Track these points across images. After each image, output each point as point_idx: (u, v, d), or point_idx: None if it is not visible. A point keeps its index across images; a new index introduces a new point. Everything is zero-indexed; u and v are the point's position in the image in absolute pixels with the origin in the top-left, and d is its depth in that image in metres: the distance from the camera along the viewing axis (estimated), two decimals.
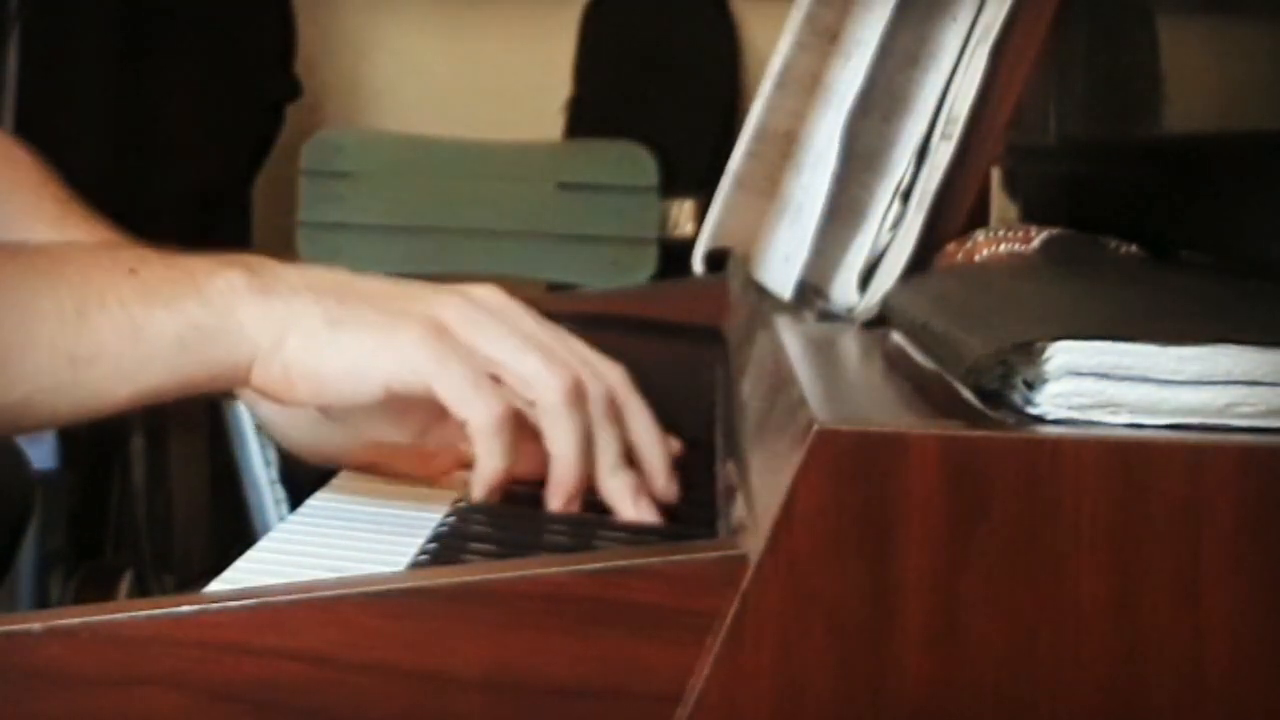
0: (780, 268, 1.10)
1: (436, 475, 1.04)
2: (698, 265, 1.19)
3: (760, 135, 1.17)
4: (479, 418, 0.90)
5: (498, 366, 0.92)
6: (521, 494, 0.95)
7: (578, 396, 0.92)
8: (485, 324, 0.92)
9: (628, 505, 0.93)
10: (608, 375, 0.95)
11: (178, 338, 0.90)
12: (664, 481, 0.95)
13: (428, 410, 0.96)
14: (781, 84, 1.16)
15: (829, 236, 1.09)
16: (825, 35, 1.14)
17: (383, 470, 1.04)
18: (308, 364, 0.91)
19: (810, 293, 1.11)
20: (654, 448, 0.95)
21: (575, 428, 0.92)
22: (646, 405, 0.97)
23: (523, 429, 0.93)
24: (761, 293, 1.16)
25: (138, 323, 0.90)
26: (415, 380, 0.90)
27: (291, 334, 0.91)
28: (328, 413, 0.98)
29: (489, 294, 0.95)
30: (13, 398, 0.90)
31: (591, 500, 0.95)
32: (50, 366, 0.89)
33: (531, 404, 0.93)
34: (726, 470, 0.98)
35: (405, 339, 0.90)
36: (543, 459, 0.93)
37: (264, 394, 0.92)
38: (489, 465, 0.91)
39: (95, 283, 0.90)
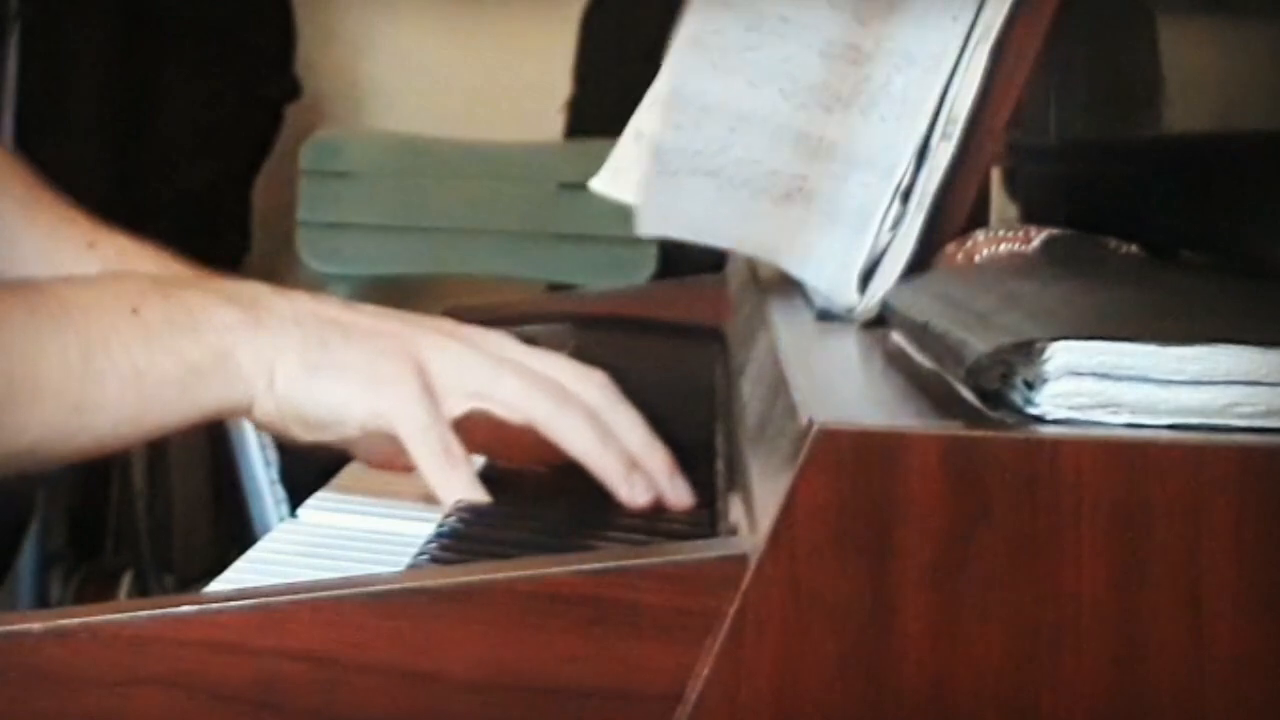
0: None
1: None
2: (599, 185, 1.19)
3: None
4: (429, 463, 0.92)
5: (481, 398, 0.94)
6: (519, 493, 0.95)
7: (564, 397, 0.94)
8: (461, 356, 0.95)
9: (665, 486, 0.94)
10: (591, 381, 0.96)
11: (179, 381, 0.92)
12: (668, 482, 0.95)
13: None
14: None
15: (829, 236, 1.09)
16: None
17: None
18: (294, 406, 0.93)
19: (810, 292, 1.11)
20: (650, 450, 0.95)
21: (580, 421, 0.94)
22: (634, 409, 0.97)
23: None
24: (762, 292, 1.16)
25: (140, 368, 0.91)
26: (380, 423, 0.93)
27: (277, 373, 0.93)
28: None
29: (465, 328, 0.98)
30: (20, 445, 0.91)
31: (592, 500, 0.95)
32: (56, 414, 0.91)
33: (528, 425, 0.94)
34: (726, 470, 0.98)
35: (378, 383, 0.93)
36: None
37: (268, 429, 0.95)
38: (450, 497, 0.93)
39: (98, 326, 0.92)
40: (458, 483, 0.92)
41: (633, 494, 0.94)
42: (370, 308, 0.99)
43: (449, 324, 0.98)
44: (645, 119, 1.28)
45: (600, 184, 1.29)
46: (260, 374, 0.93)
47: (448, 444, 0.93)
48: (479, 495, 0.93)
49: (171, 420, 0.93)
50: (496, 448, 1.01)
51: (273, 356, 0.93)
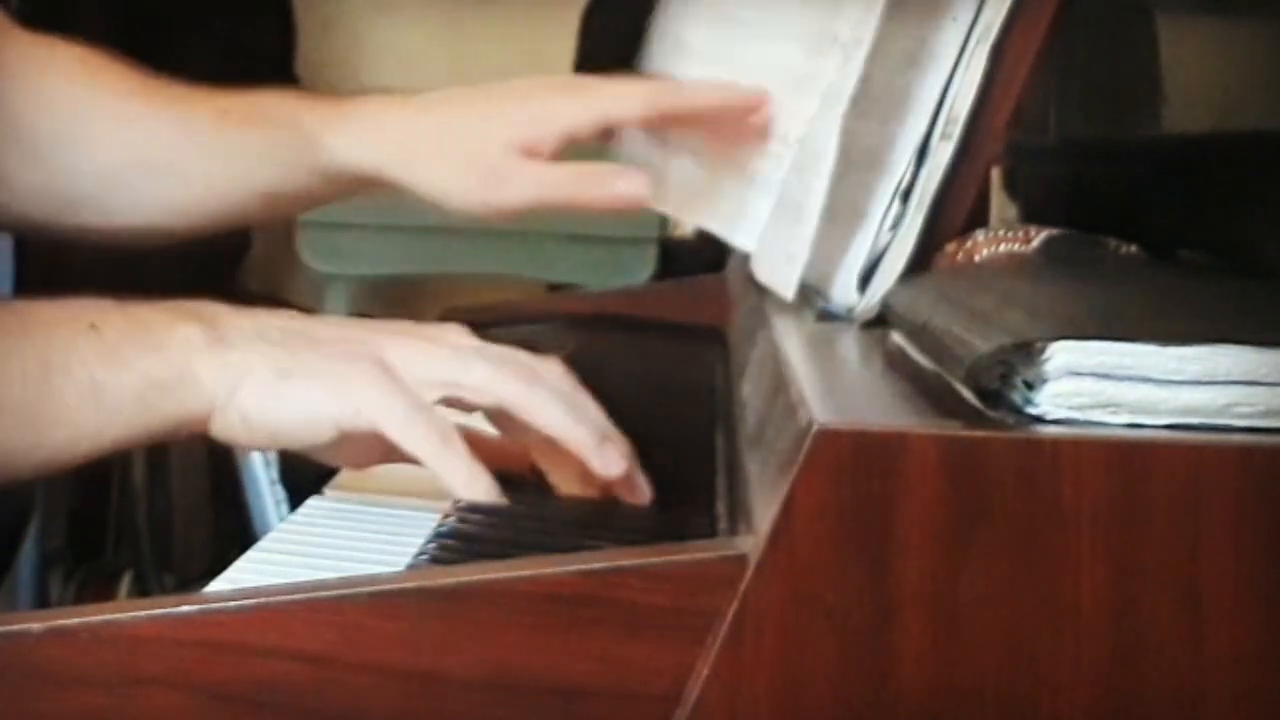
0: (782, 267, 1.10)
1: None
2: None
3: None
4: (424, 449, 0.92)
5: (451, 386, 0.95)
6: (519, 493, 0.95)
7: (532, 378, 0.96)
8: (427, 352, 0.96)
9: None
10: (550, 367, 0.98)
11: (138, 395, 0.93)
12: (595, 453, 0.95)
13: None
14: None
15: (829, 236, 1.09)
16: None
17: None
18: (262, 414, 0.93)
19: (810, 292, 1.11)
20: (610, 436, 0.96)
21: (549, 398, 0.95)
22: (592, 398, 0.97)
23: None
24: (762, 292, 1.16)
25: (99, 383, 0.92)
26: (360, 420, 0.93)
27: (244, 385, 0.93)
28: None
29: (429, 327, 0.99)
30: None
31: (592, 500, 0.95)
32: (14, 430, 0.92)
33: (499, 410, 0.96)
34: (726, 470, 0.98)
35: (349, 384, 0.93)
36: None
37: (227, 442, 0.95)
38: (454, 483, 0.93)
39: (58, 343, 0.93)
40: (456, 461, 0.92)
41: (605, 464, 0.94)
42: (329, 319, 1.00)
43: (405, 324, 0.99)
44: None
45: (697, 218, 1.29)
46: (221, 388, 0.93)
47: (436, 426, 0.93)
48: (479, 472, 0.93)
49: (131, 435, 0.93)
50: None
51: (239, 370, 0.93)
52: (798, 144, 1.12)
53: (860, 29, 1.08)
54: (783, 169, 1.13)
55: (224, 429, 0.94)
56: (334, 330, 0.97)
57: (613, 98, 1.17)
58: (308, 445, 0.95)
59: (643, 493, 0.96)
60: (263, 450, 0.96)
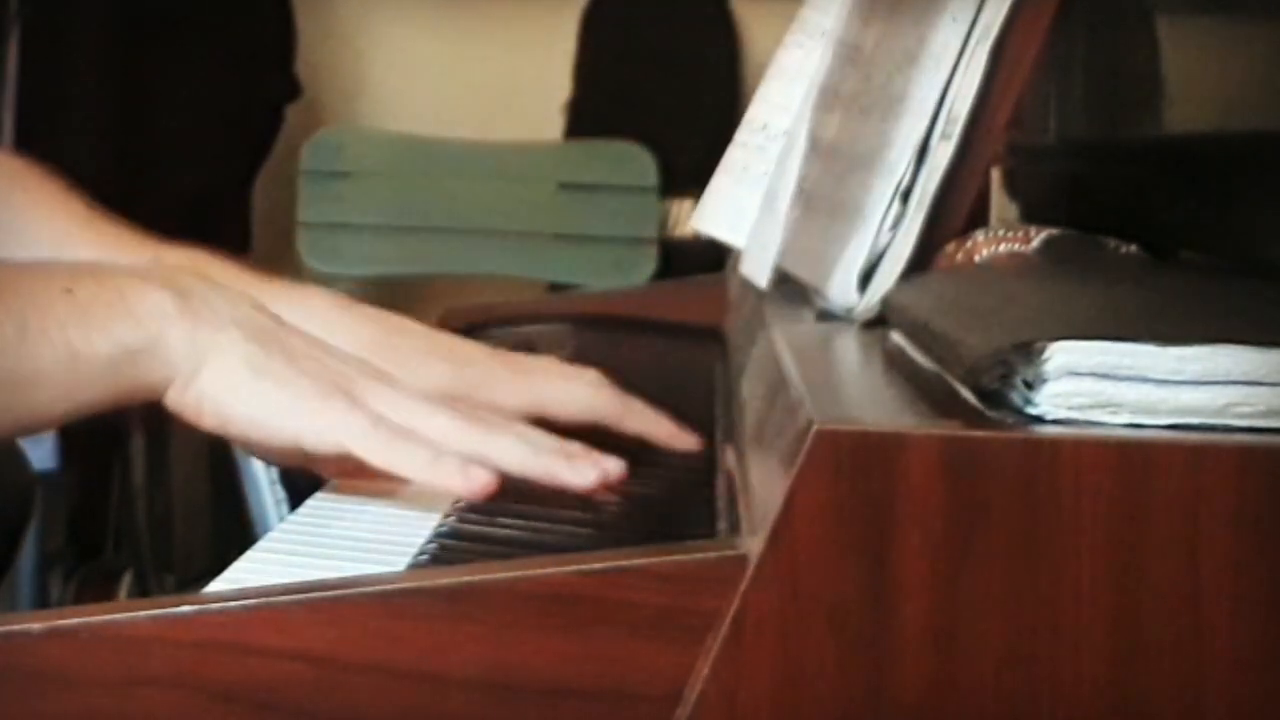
0: (758, 255, 1.10)
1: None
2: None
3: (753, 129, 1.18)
4: (395, 458, 0.93)
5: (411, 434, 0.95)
6: (519, 493, 0.95)
7: (491, 425, 0.96)
8: (393, 400, 0.96)
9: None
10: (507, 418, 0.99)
11: (110, 359, 0.93)
12: (568, 471, 0.95)
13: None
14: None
15: (829, 236, 1.09)
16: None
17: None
18: (220, 400, 0.94)
19: (810, 292, 1.11)
20: (529, 462, 0.96)
21: (508, 444, 0.95)
22: (503, 431, 0.97)
23: None
24: (762, 292, 1.16)
25: (74, 346, 0.92)
26: (328, 442, 0.93)
27: (209, 366, 0.94)
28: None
29: (386, 373, 0.99)
30: None
31: (591, 500, 0.95)
32: None
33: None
34: (726, 470, 0.98)
35: (316, 404, 0.93)
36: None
37: (176, 414, 0.95)
38: (440, 477, 0.93)
39: (33, 306, 0.93)
40: (450, 467, 0.93)
41: (579, 476, 0.94)
42: (300, 334, 0.99)
43: (372, 366, 0.99)
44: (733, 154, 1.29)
45: (701, 224, 1.29)
46: (187, 363, 0.93)
47: (416, 442, 0.93)
48: (474, 468, 0.93)
49: (103, 398, 0.94)
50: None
51: (206, 349, 0.94)
52: (783, 136, 1.12)
53: (828, 19, 1.09)
54: (769, 162, 1.13)
55: (178, 403, 0.94)
56: (308, 345, 0.97)
57: (555, 394, 1.10)
58: (258, 446, 0.96)
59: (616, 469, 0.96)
60: (216, 431, 0.95)
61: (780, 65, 1.27)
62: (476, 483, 0.92)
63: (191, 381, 0.94)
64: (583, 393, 1.09)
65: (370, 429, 0.93)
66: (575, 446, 0.96)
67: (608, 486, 0.95)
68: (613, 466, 0.95)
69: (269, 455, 1.00)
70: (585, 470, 0.95)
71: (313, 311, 1.10)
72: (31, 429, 0.96)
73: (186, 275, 0.98)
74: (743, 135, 1.27)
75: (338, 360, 0.97)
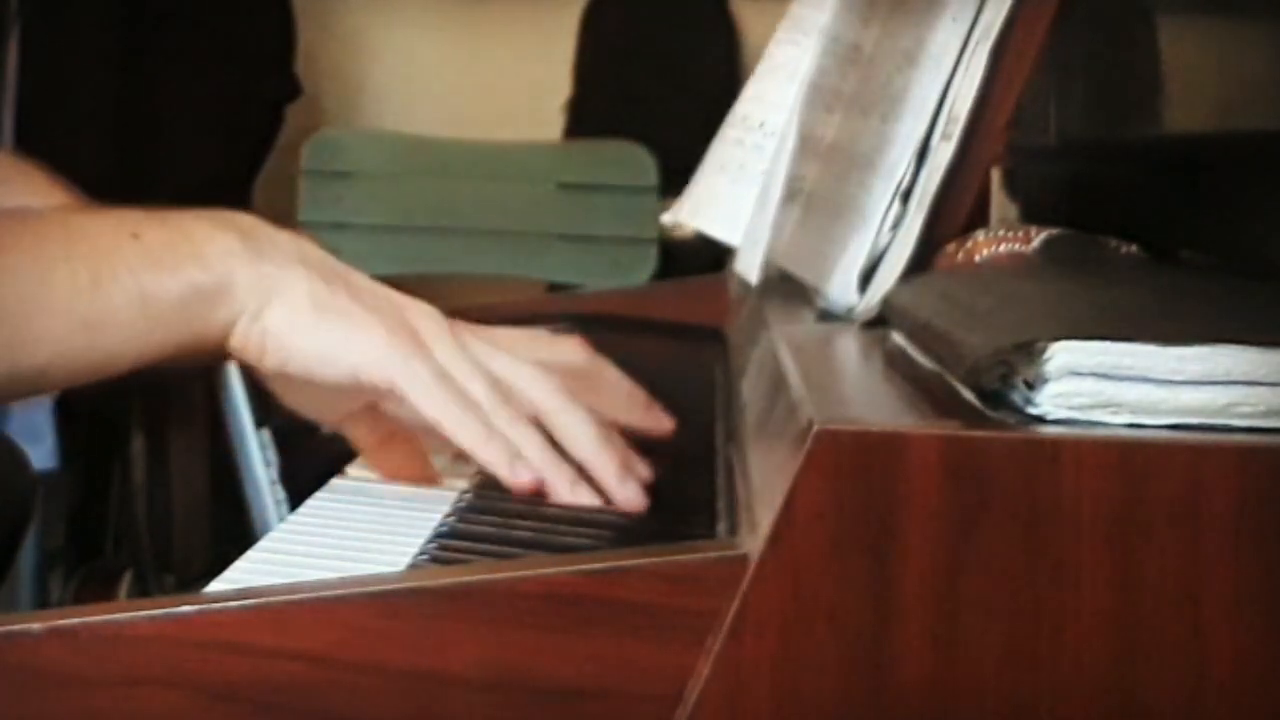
0: (749, 251, 1.10)
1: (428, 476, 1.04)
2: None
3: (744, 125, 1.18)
4: (450, 416, 0.93)
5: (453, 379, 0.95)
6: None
7: (569, 395, 0.96)
8: (446, 340, 0.96)
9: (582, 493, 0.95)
10: (542, 384, 0.98)
11: (181, 300, 0.94)
12: (616, 485, 0.95)
13: (358, 400, 1.00)
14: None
15: (829, 236, 1.10)
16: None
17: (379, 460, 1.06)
18: (282, 335, 0.95)
19: (810, 292, 1.11)
20: (599, 451, 0.96)
21: (583, 419, 0.96)
22: (583, 411, 0.97)
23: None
24: (761, 292, 1.16)
25: (146, 289, 0.94)
26: (382, 375, 0.94)
27: (275, 304, 0.95)
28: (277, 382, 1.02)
29: (451, 321, 0.99)
30: (35, 361, 0.94)
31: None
32: (67, 333, 0.93)
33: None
34: (726, 470, 0.98)
35: (379, 336, 0.94)
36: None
37: (237, 356, 0.96)
38: (489, 455, 0.93)
39: (103, 251, 0.94)
40: (477, 429, 0.93)
41: (627, 497, 0.94)
42: (364, 276, 1.00)
43: (439, 313, 0.99)
44: (729, 151, 1.28)
45: (683, 216, 1.29)
46: (253, 300, 0.94)
47: (458, 395, 0.94)
48: (499, 442, 0.93)
49: (173, 341, 0.95)
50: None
51: (272, 287, 0.95)
52: (777, 133, 1.13)
53: (821, 15, 1.09)
54: (764, 159, 1.13)
55: (243, 343, 0.95)
56: (369, 282, 0.98)
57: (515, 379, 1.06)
58: (318, 380, 0.96)
59: (632, 499, 0.95)
60: (271, 373, 0.96)
61: (774, 62, 1.27)
62: (520, 478, 0.93)
63: (256, 319, 0.94)
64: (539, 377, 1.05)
65: (431, 380, 0.93)
66: (592, 461, 0.95)
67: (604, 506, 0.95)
68: (627, 496, 0.95)
69: (317, 404, 1.01)
70: (630, 490, 0.95)
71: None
72: (106, 373, 0.96)
73: (250, 218, 0.98)
74: (737, 132, 1.27)
75: (404, 302, 0.97)
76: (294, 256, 0.96)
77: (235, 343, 0.95)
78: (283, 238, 0.97)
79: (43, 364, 0.94)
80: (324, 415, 1.03)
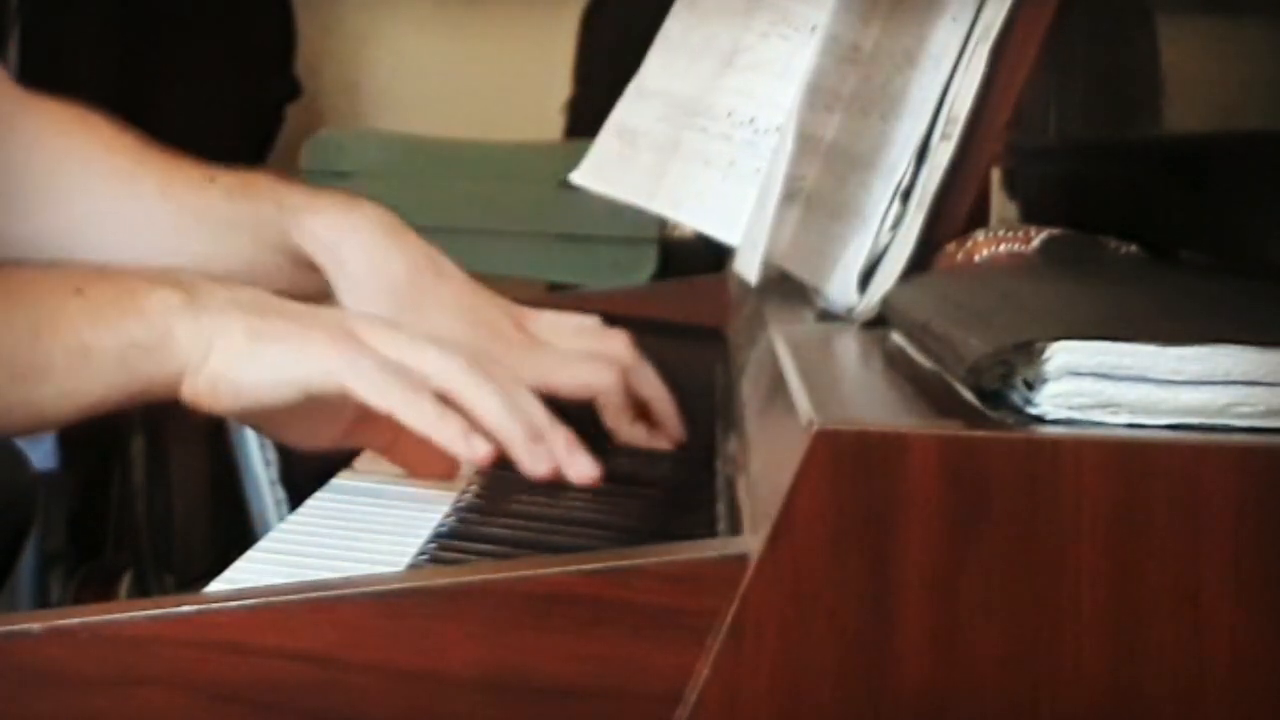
0: (748, 252, 1.10)
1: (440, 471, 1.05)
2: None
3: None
4: (399, 404, 0.95)
5: (403, 368, 0.97)
6: (519, 494, 0.96)
7: (480, 371, 0.98)
8: (386, 331, 0.98)
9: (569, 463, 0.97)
10: (498, 368, 1.01)
11: (120, 356, 0.96)
12: (566, 455, 0.97)
13: (346, 415, 1.01)
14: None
15: (829, 236, 1.09)
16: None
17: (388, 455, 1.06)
18: (230, 374, 0.97)
19: (810, 292, 1.11)
20: (551, 427, 0.98)
21: (492, 391, 0.97)
22: (531, 395, 0.99)
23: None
24: (761, 292, 1.16)
25: (86, 343, 0.96)
26: (329, 381, 0.96)
27: (216, 348, 0.97)
28: (247, 419, 1.04)
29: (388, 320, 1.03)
30: None
31: (591, 499, 0.95)
32: (7, 385, 0.95)
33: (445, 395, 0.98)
34: (726, 470, 0.98)
35: (317, 346, 0.96)
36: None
37: (193, 405, 0.98)
38: (443, 435, 0.95)
39: (46, 305, 0.96)
40: (431, 412, 0.95)
41: (533, 463, 0.96)
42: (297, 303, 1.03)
43: (373, 315, 1.03)
44: (627, 112, 1.28)
45: (581, 177, 1.30)
46: (196, 351, 0.96)
47: (408, 383, 0.95)
48: (452, 420, 0.95)
49: (112, 395, 0.97)
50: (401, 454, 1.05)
51: (212, 334, 0.96)
52: (775, 132, 1.12)
53: (822, 14, 1.09)
54: (760, 158, 1.13)
55: (193, 393, 0.97)
56: (304, 306, 1.00)
57: (561, 376, 1.12)
58: (272, 407, 0.98)
59: (584, 472, 0.97)
60: (228, 415, 0.99)
61: (759, 56, 1.26)
62: (477, 452, 0.94)
63: (201, 369, 0.96)
64: (586, 374, 1.11)
65: (376, 372, 0.95)
66: (557, 433, 0.97)
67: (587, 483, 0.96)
68: (580, 470, 0.96)
69: (309, 432, 1.02)
70: (538, 458, 0.96)
71: (356, 229, 1.16)
72: (44, 425, 0.99)
73: (192, 275, 1.00)
74: (721, 126, 1.26)
75: (341, 313, 1.01)
76: (227, 301, 0.98)
77: (187, 394, 0.97)
78: (217, 287, 0.99)
79: None
80: (322, 440, 1.04)
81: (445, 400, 0.97)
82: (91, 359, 0.95)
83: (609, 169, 1.28)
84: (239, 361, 0.96)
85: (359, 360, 0.95)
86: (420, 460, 1.04)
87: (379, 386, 0.95)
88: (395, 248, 1.16)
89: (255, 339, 0.96)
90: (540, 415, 0.98)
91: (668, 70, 1.28)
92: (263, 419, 1.01)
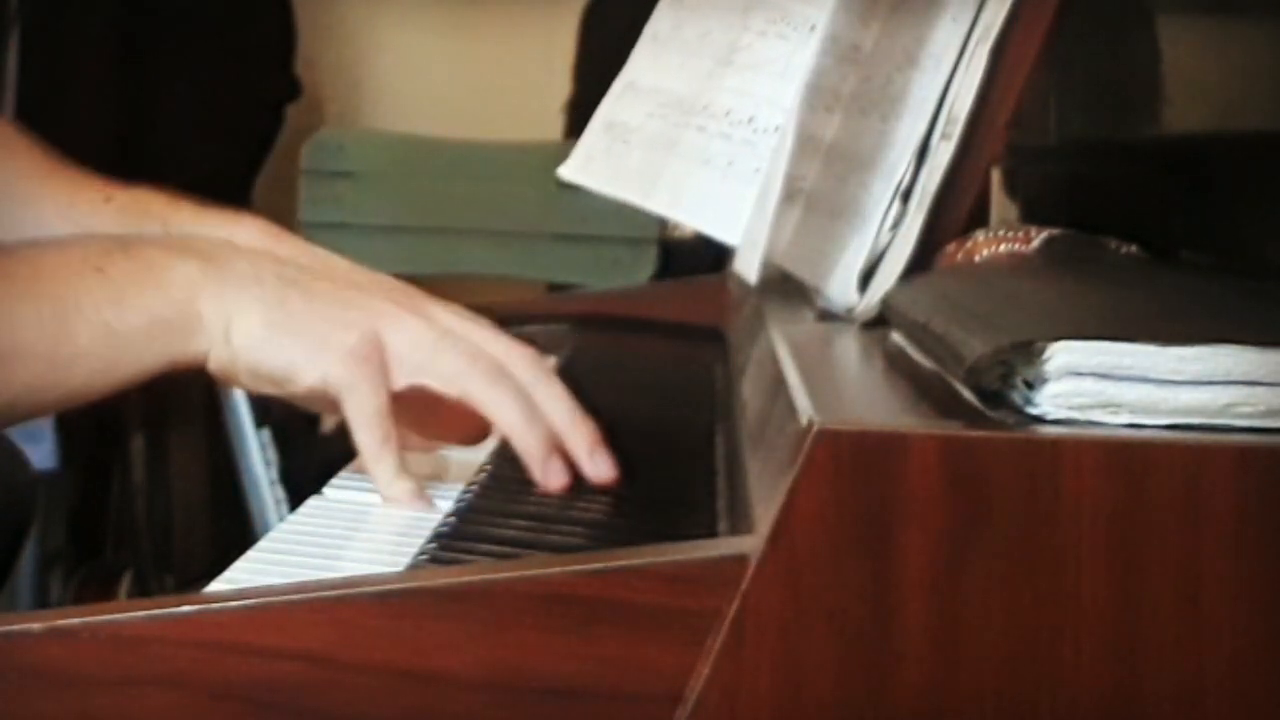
0: (748, 252, 1.10)
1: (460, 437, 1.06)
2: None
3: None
4: (366, 440, 0.97)
5: (422, 372, 0.98)
6: (518, 493, 0.96)
7: (498, 375, 0.98)
8: (414, 330, 0.99)
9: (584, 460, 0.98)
10: (522, 356, 1.01)
11: (145, 332, 0.97)
12: (588, 456, 0.98)
13: None
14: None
15: (829, 236, 1.09)
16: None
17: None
18: (251, 354, 0.98)
19: (810, 292, 1.11)
20: (574, 425, 0.98)
21: (509, 398, 0.97)
22: (561, 385, 1.00)
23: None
24: (761, 292, 1.16)
25: (110, 324, 0.96)
26: (333, 391, 0.98)
27: (234, 328, 0.98)
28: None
29: (420, 298, 1.03)
30: (3, 398, 0.96)
31: (591, 500, 0.95)
32: (34, 371, 0.96)
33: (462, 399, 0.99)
34: (726, 470, 0.98)
35: (328, 352, 0.97)
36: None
37: (220, 379, 1.00)
38: (378, 480, 0.97)
39: (69, 287, 0.97)
40: (387, 463, 0.97)
41: (546, 478, 0.97)
42: (333, 267, 1.05)
43: (403, 291, 1.04)
44: (616, 108, 1.28)
45: (570, 172, 1.30)
46: (218, 325, 0.97)
47: (382, 426, 0.97)
48: (404, 483, 0.97)
49: (140, 370, 0.98)
50: (430, 421, 1.05)
51: (232, 310, 0.97)
52: (775, 132, 1.12)
53: (821, 13, 1.09)
54: (759, 158, 1.13)
55: (219, 365, 0.98)
56: (332, 287, 1.00)
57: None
58: (288, 393, 1.00)
59: (603, 473, 0.97)
60: (254, 391, 1.01)
61: (759, 56, 1.26)
62: (398, 490, 0.97)
63: (226, 343, 0.97)
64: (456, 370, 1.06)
65: (373, 397, 0.96)
66: (579, 432, 0.97)
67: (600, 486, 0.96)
68: (599, 470, 0.97)
69: (312, 403, 1.03)
70: (552, 473, 0.97)
71: (234, 236, 1.13)
72: (74, 403, 0.99)
73: (213, 243, 1.02)
74: (719, 126, 1.26)
75: (362, 294, 1.00)
76: (250, 277, 0.99)
77: (214, 367, 0.98)
78: (241, 261, 1.00)
79: (10, 399, 0.97)
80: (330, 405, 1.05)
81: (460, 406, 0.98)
82: (118, 340, 0.96)
83: (598, 164, 1.28)
84: (259, 345, 0.97)
85: (358, 382, 0.97)
86: (443, 428, 1.05)
87: (361, 416, 0.96)
88: (278, 247, 1.16)
89: (270, 328, 0.97)
90: (563, 413, 0.98)
91: (658, 67, 1.28)
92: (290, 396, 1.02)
